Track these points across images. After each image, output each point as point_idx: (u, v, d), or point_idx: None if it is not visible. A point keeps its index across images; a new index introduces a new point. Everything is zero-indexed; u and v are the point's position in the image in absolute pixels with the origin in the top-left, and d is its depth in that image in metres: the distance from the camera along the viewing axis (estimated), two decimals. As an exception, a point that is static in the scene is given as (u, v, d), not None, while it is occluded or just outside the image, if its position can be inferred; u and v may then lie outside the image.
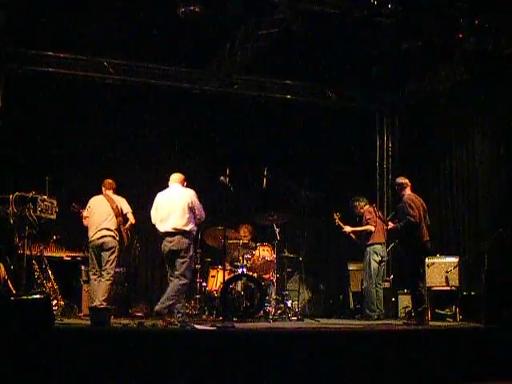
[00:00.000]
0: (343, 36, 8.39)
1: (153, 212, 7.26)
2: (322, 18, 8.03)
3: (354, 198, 8.99)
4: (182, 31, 8.28)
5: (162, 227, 7.11)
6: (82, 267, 8.44)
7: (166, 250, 7.09)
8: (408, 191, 7.57)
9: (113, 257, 7.35)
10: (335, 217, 8.81)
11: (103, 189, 7.75)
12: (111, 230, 7.41)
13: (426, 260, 8.66)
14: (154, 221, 7.24)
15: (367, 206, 8.87)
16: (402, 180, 7.67)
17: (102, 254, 7.35)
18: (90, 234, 7.42)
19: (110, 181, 7.79)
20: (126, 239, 7.64)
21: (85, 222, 7.57)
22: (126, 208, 7.65)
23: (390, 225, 7.79)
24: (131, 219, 7.66)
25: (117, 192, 7.85)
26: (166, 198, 7.23)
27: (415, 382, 5.68)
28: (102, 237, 7.36)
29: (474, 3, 7.80)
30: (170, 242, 7.02)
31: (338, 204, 9.65)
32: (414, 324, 7.24)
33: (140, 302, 8.97)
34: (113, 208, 7.51)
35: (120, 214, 7.55)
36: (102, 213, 7.46)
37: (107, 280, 7.25)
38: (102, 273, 7.30)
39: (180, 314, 6.95)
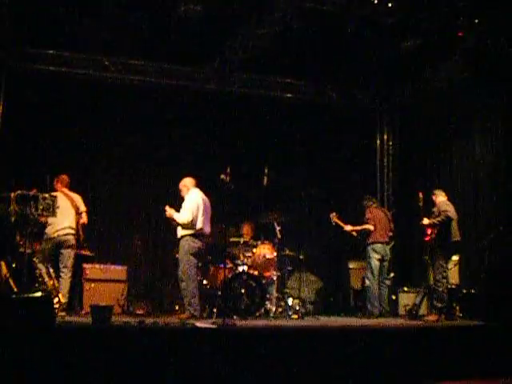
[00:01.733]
0: (343, 35, 8.40)
1: (195, 211, 7.63)
2: (322, 17, 8.05)
3: (363, 198, 9.08)
4: (182, 30, 8.29)
5: (205, 228, 7.73)
6: (84, 265, 8.46)
7: (202, 249, 7.68)
8: (441, 198, 8.12)
9: (73, 254, 7.57)
10: (332, 217, 8.85)
11: (59, 185, 7.78)
12: (73, 229, 7.57)
13: (426, 258, 8.71)
14: (192, 218, 7.59)
15: (372, 206, 8.88)
16: (436, 190, 8.27)
17: (63, 251, 7.48)
18: (52, 230, 7.46)
19: (65, 177, 7.85)
20: (82, 237, 7.77)
21: (42, 219, 7.38)
22: (82, 207, 7.78)
23: (426, 220, 7.93)
24: (84, 219, 7.80)
25: (119, 192, 7.91)
26: (206, 202, 7.87)
27: (415, 380, 5.70)
28: (66, 234, 7.49)
29: (474, 2, 7.81)
30: (204, 242, 7.72)
31: (337, 203, 9.67)
32: (436, 321, 7.48)
33: (141, 300, 8.99)
34: (73, 206, 7.65)
35: (78, 213, 7.68)
36: (65, 210, 7.51)
37: (70, 277, 7.48)
38: (64, 270, 7.44)
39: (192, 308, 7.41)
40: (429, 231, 8.02)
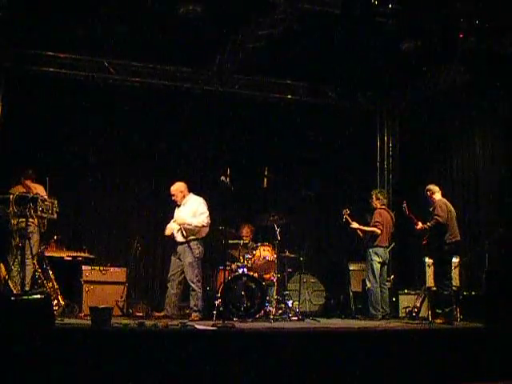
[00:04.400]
0: (343, 36, 8.38)
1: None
2: (322, 18, 8.04)
3: (380, 191, 9.02)
4: (182, 31, 8.29)
5: None
6: (83, 267, 8.46)
7: None
8: (438, 196, 7.99)
9: (32, 242, 7.35)
10: (344, 212, 8.78)
11: (22, 179, 7.87)
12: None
13: (426, 260, 8.70)
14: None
15: (381, 207, 8.82)
16: (431, 186, 8.10)
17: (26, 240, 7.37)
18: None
19: (29, 171, 7.92)
20: (42, 226, 7.70)
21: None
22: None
23: (420, 225, 7.92)
24: None
25: (118, 193, 7.93)
26: None
27: (415, 381, 5.68)
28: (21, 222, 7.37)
29: (474, 3, 7.80)
30: None
31: (337, 204, 9.66)
32: (442, 324, 7.44)
33: (141, 302, 8.97)
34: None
35: None
36: None
37: (29, 265, 7.26)
38: (26, 260, 7.20)
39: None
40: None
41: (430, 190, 8.05)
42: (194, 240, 7.84)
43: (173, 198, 8.04)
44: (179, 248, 7.91)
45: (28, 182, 7.82)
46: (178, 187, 8.04)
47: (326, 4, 7.83)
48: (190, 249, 7.82)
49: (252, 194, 9.93)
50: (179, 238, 7.89)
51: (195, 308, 7.73)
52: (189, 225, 7.82)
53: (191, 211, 7.93)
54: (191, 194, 8.08)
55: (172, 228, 7.95)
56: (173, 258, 8.02)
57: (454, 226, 7.82)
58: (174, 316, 7.77)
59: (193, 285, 7.79)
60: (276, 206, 9.67)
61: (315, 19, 8.03)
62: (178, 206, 8.07)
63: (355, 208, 9.07)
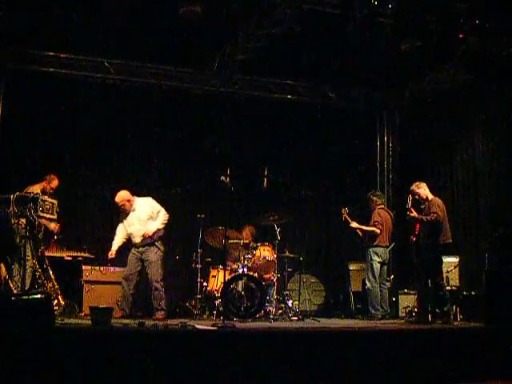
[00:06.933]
0: (343, 36, 8.39)
1: None
2: (322, 18, 8.04)
3: (373, 193, 9.00)
4: (182, 31, 8.29)
5: None
6: (83, 267, 8.46)
7: None
8: (431, 195, 7.92)
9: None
10: (343, 212, 8.79)
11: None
12: None
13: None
14: None
15: (380, 207, 8.82)
16: (420, 183, 7.99)
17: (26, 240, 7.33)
18: None
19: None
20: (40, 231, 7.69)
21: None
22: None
23: (414, 213, 7.78)
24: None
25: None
26: None
27: (415, 381, 5.68)
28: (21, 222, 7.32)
29: (474, 3, 7.80)
30: None
31: (338, 204, 9.66)
32: (442, 323, 7.43)
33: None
34: None
35: None
36: None
37: (29, 265, 7.24)
38: (27, 260, 7.15)
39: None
40: (417, 227, 7.84)
41: (418, 186, 7.93)
42: (158, 240, 7.96)
43: (122, 208, 7.97)
44: (141, 248, 7.96)
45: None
46: (123, 197, 7.97)
47: (326, 4, 7.83)
48: (156, 248, 7.92)
49: (252, 194, 9.93)
50: (143, 241, 7.93)
51: (159, 307, 7.83)
52: (157, 230, 7.90)
53: (145, 214, 7.94)
54: (136, 198, 8.06)
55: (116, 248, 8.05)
56: (131, 257, 8.00)
57: (447, 227, 7.77)
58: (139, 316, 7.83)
59: (157, 284, 7.87)
60: (276, 206, 9.66)
61: (315, 19, 8.03)
62: (127, 213, 8.02)
63: (355, 208, 9.07)
